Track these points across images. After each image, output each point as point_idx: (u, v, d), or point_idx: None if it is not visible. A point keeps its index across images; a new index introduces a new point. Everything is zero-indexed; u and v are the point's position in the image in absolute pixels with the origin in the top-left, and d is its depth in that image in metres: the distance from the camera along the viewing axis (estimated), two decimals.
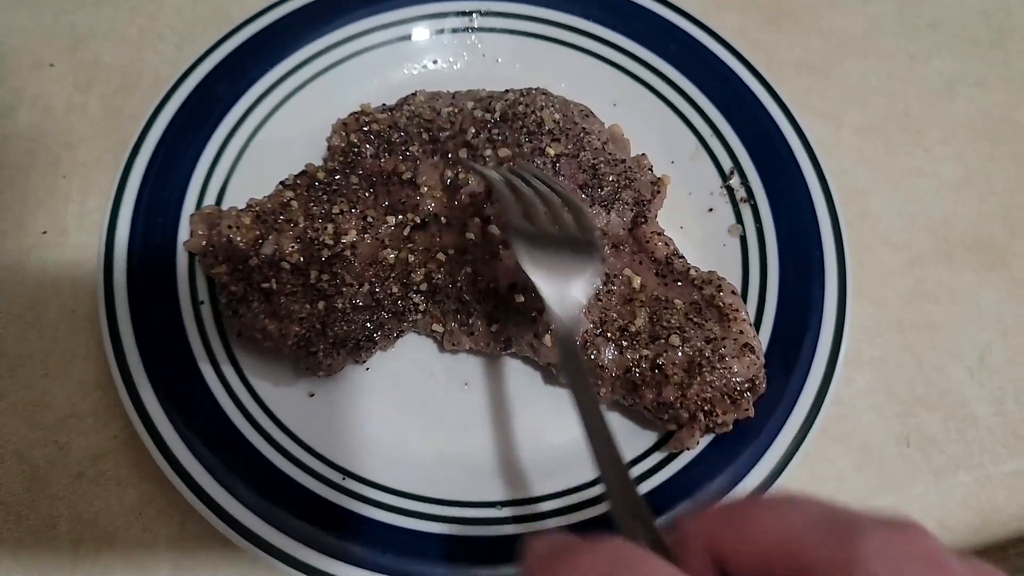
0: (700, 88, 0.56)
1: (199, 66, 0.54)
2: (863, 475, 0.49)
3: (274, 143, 0.54)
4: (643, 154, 0.53)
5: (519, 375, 0.50)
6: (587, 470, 0.45)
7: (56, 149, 0.56)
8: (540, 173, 0.47)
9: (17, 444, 0.48)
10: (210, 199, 0.52)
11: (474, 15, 0.59)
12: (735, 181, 0.53)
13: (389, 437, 0.47)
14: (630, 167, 0.52)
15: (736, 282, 0.50)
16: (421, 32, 0.58)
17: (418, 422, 0.48)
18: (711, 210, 0.54)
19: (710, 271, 0.48)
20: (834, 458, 0.49)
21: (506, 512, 0.44)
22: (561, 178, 0.50)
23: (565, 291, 0.39)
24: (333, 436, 0.46)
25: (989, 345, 0.53)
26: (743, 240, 0.52)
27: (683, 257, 0.49)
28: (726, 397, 0.44)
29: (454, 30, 0.59)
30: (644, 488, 0.44)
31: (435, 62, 0.59)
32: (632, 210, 0.50)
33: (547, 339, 0.45)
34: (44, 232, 0.53)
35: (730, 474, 0.44)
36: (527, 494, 0.45)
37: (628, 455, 0.46)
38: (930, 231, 0.57)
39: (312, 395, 0.48)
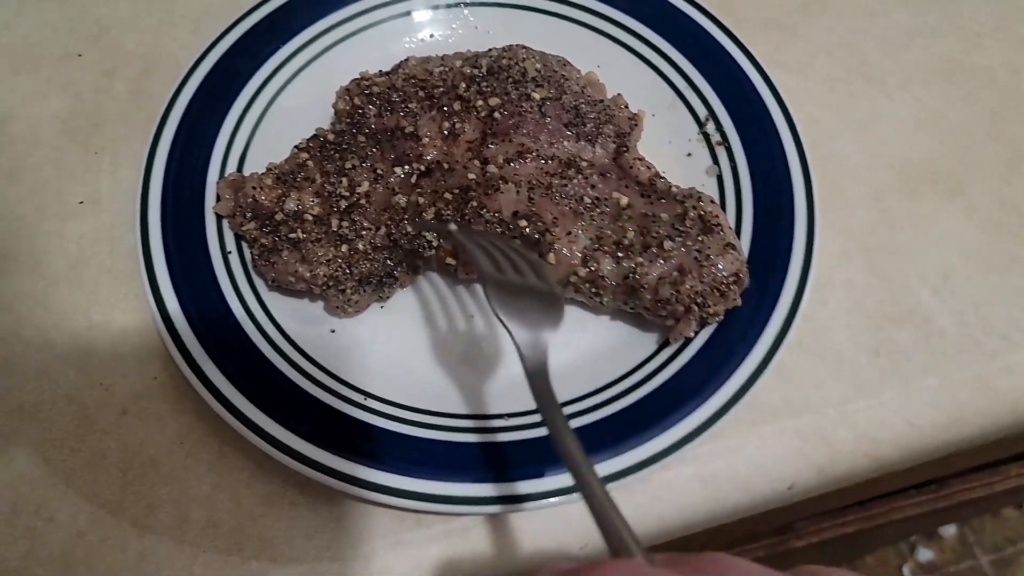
0: (675, 46, 0.61)
1: (217, 45, 0.59)
2: (839, 382, 0.53)
3: (287, 112, 0.59)
4: (619, 94, 0.59)
5: None
6: (579, 385, 0.51)
7: (87, 128, 0.61)
8: (495, 236, 0.51)
9: (67, 389, 0.52)
10: (232, 165, 0.57)
11: None
12: (710, 127, 0.58)
13: (403, 362, 0.52)
14: (608, 106, 0.57)
15: None
16: (419, 8, 0.64)
17: (428, 350, 0.52)
18: (690, 155, 0.59)
19: (690, 187, 0.53)
20: (811, 369, 0.54)
21: (512, 422, 0.49)
22: (547, 119, 0.55)
23: (535, 337, 0.43)
24: (354, 364, 0.51)
25: (951, 266, 0.58)
26: (719, 180, 0.57)
27: (664, 177, 0.54)
28: (715, 290, 0.49)
29: (448, 5, 0.64)
30: (648, 388, 0.50)
31: (431, 35, 0.64)
32: (614, 142, 0.55)
33: (551, 258, 0.50)
34: (81, 202, 0.58)
35: (713, 382, 0.49)
36: (527, 407, 0.49)
37: (634, 358, 0.52)
38: (893, 167, 0.62)
39: (333, 331, 0.53)
